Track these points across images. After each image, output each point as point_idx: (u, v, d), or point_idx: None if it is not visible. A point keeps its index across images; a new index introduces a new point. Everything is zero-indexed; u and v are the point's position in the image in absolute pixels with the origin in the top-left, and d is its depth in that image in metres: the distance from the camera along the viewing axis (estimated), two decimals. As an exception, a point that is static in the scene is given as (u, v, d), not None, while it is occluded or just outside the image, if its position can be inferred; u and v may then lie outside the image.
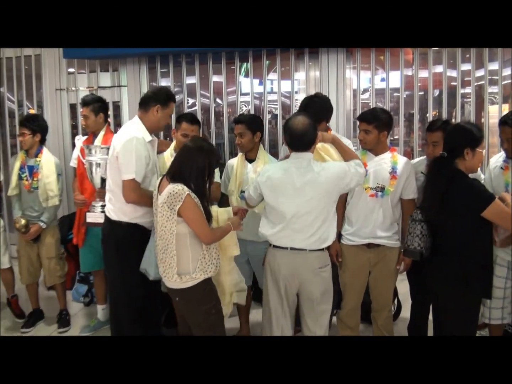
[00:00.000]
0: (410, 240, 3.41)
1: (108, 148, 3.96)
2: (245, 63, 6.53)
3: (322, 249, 3.48)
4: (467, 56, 6.31)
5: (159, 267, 3.44)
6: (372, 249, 3.94)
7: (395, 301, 5.10)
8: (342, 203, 3.97)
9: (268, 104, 6.50)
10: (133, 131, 3.74)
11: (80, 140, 4.89)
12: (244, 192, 4.08)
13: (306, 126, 3.39)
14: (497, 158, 3.99)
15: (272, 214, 3.48)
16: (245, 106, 6.62)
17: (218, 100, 6.65)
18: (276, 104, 6.47)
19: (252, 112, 6.35)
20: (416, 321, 4.27)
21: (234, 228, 3.53)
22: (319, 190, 3.34)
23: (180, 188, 3.20)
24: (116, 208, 3.84)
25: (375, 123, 3.85)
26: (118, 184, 3.74)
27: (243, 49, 6.27)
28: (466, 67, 6.33)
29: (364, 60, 6.33)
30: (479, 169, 3.82)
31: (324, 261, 3.52)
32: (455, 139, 3.28)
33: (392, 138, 6.68)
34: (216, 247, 3.45)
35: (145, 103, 3.86)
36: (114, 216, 3.86)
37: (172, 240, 3.27)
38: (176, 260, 3.28)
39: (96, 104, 4.77)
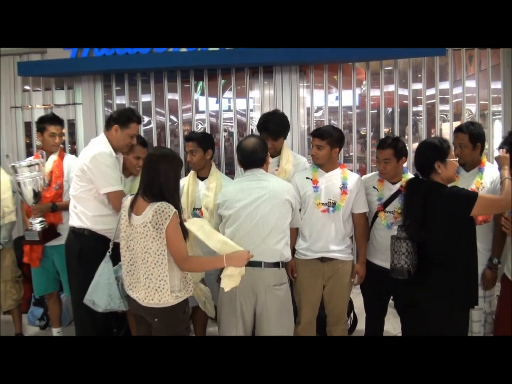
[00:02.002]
0: (396, 258, 3.43)
1: (37, 164, 4.14)
2: (200, 82, 6.56)
3: (278, 266, 3.53)
4: (419, 76, 6.47)
5: (135, 295, 3.27)
6: (326, 263, 4.01)
7: (351, 315, 5.20)
8: None
9: (224, 122, 6.54)
10: (100, 146, 3.87)
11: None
12: (196, 209, 4.15)
13: (256, 145, 3.58)
14: None
15: (227, 227, 3.53)
16: (201, 124, 6.65)
17: (173, 118, 6.66)
18: (232, 122, 6.52)
19: (208, 130, 6.37)
20: (371, 333, 4.33)
21: (234, 264, 3.22)
22: (275, 200, 3.47)
23: (166, 206, 3.13)
24: (79, 217, 3.90)
25: (328, 139, 3.98)
26: (85, 193, 3.86)
27: (198, 68, 6.31)
28: (417, 86, 6.49)
29: (317, 79, 6.44)
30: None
31: (280, 279, 3.56)
32: (423, 157, 3.37)
33: (347, 155, 6.79)
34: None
35: (107, 122, 4.03)
36: (77, 222, 3.90)
37: (161, 260, 3.14)
38: (169, 279, 3.16)
39: None
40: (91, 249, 3.82)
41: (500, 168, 3.42)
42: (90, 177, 3.81)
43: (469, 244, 3.26)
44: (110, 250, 3.53)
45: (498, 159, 3.39)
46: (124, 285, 3.36)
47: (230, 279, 3.23)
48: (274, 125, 4.28)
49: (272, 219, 3.47)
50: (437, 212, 3.20)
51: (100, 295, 3.44)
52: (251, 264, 3.38)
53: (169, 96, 6.52)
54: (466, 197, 3.16)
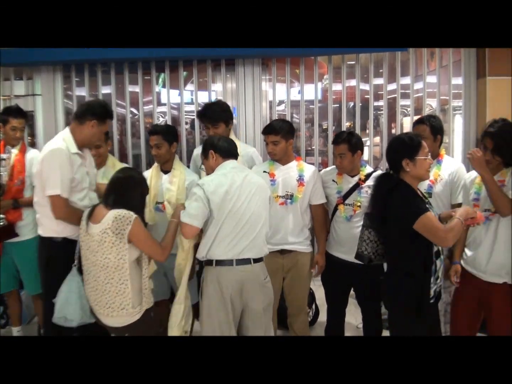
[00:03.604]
0: (359, 244, 3.51)
1: (3, 159, 4.00)
2: (162, 74, 6.51)
3: (262, 260, 3.53)
4: (380, 71, 6.52)
5: (95, 304, 3.26)
6: (285, 255, 4.06)
7: (313, 306, 5.26)
8: None
9: (186, 114, 6.49)
10: (57, 142, 3.63)
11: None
12: (159, 203, 4.10)
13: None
14: None
15: (214, 227, 3.40)
16: (162, 116, 6.59)
17: (134, 110, 6.59)
18: (194, 115, 6.44)
19: (169, 123, 6.31)
20: (332, 324, 4.36)
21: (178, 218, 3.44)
22: (262, 194, 3.51)
23: (127, 212, 3.15)
24: (44, 225, 3.74)
25: (282, 133, 4.02)
26: (44, 199, 3.62)
27: (160, 60, 6.24)
28: (379, 81, 6.54)
29: (279, 72, 6.44)
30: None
31: (265, 272, 3.57)
32: (391, 154, 3.32)
33: (309, 148, 6.83)
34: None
35: (82, 115, 3.72)
36: (43, 233, 3.77)
37: (122, 264, 3.15)
38: (131, 285, 3.18)
39: None
40: (60, 258, 3.63)
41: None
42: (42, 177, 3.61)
43: (418, 251, 3.19)
44: (76, 263, 3.48)
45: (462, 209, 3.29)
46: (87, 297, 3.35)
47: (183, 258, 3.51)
48: (212, 110, 4.31)
49: (262, 215, 3.48)
50: (393, 211, 3.18)
51: (73, 310, 3.36)
52: (241, 262, 3.39)
53: (130, 88, 6.43)
54: (413, 210, 3.10)
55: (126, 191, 3.30)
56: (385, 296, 3.45)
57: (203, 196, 3.36)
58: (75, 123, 3.73)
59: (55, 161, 3.51)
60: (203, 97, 6.45)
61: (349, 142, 3.96)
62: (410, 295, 3.16)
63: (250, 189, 3.43)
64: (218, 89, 6.58)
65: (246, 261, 3.40)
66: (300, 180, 4.06)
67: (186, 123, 6.52)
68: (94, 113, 3.70)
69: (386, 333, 4.59)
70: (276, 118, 6.38)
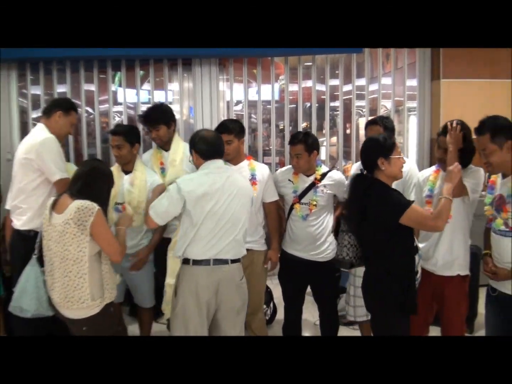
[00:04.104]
0: (339, 250, 3.49)
1: None
2: (118, 72, 6.44)
3: (240, 261, 3.51)
4: (336, 72, 6.60)
5: (54, 296, 3.21)
6: None
7: (271, 305, 5.29)
8: None
9: (143, 114, 6.42)
10: (45, 133, 3.79)
11: None
12: (119, 204, 4.06)
13: (217, 135, 3.60)
14: (356, 166, 4.39)
15: (194, 226, 3.36)
16: (118, 116, 6.53)
17: (90, 109, 6.49)
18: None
19: (125, 122, 6.23)
20: (290, 322, 4.38)
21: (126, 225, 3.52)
22: (243, 196, 3.45)
23: (90, 203, 3.11)
24: (26, 216, 3.76)
25: (235, 132, 4.04)
26: (31, 189, 3.75)
27: (116, 58, 6.16)
28: (334, 82, 6.62)
29: (236, 72, 6.44)
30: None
31: (242, 273, 3.55)
32: (366, 153, 3.35)
33: (267, 148, 6.88)
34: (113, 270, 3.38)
35: (48, 110, 3.94)
36: (22, 226, 3.77)
37: (81, 258, 3.11)
38: (89, 279, 3.14)
39: None
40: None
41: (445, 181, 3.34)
42: (39, 166, 3.72)
43: (403, 249, 3.23)
44: (36, 252, 3.43)
45: (448, 172, 3.29)
46: (45, 287, 3.30)
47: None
48: (152, 113, 4.32)
49: (242, 217, 3.44)
50: (372, 210, 3.20)
51: (28, 300, 3.32)
52: (218, 262, 3.36)
53: (86, 86, 6.30)
54: (397, 204, 3.14)
55: (92, 182, 3.27)
56: (367, 296, 3.43)
57: (175, 195, 3.33)
58: (44, 118, 3.93)
59: (55, 148, 3.73)
60: (160, 97, 6.40)
61: (305, 143, 3.99)
62: (393, 293, 3.19)
63: (231, 190, 3.39)
64: (175, 88, 6.55)
65: (223, 262, 3.38)
66: (253, 179, 4.07)
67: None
68: (58, 104, 3.94)
69: (342, 329, 4.71)
70: (234, 118, 6.39)
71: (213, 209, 3.32)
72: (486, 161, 3.21)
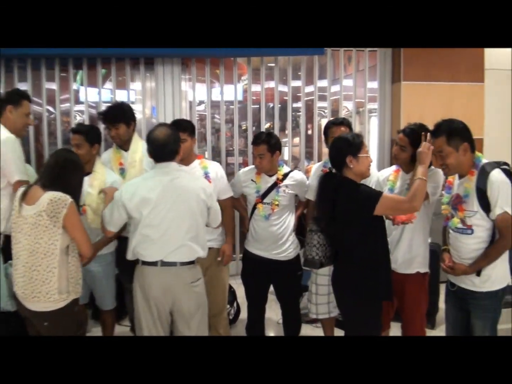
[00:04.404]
0: (308, 250, 3.45)
1: None
2: (80, 71, 6.36)
3: (193, 263, 3.44)
4: (298, 73, 6.66)
5: (20, 289, 3.13)
6: None
7: (235, 304, 5.29)
8: None
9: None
10: (3, 133, 3.68)
11: None
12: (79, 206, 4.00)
13: (168, 135, 3.39)
14: (317, 166, 4.43)
15: (143, 228, 3.33)
16: (80, 115, 6.46)
17: (51, 108, 6.40)
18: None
19: (87, 122, 6.15)
20: (253, 321, 4.39)
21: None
22: (188, 199, 3.35)
23: (62, 195, 3.06)
24: None
25: (188, 131, 4.03)
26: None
27: (77, 56, 6.07)
28: (297, 83, 6.68)
29: (199, 72, 6.45)
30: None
31: (196, 275, 3.48)
32: (335, 152, 3.36)
33: (230, 149, 6.89)
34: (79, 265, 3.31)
35: None
36: None
37: (52, 251, 3.06)
38: (58, 272, 3.08)
39: None
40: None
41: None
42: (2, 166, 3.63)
43: (376, 240, 3.28)
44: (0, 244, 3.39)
45: (418, 153, 3.32)
46: (12, 282, 3.23)
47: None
48: (112, 111, 4.26)
49: (187, 220, 3.35)
50: (343, 208, 3.23)
51: None
52: (167, 264, 3.32)
53: (47, 85, 6.21)
54: (369, 197, 3.18)
55: (64, 173, 3.21)
56: (339, 291, 3.46)
57: (117, 202, 3.34)
58: None
59: (15, 147, 3.66)
60: (122, 96, 6.34)
61: (268, 143, 4.02)
62: (368, 281, 3.24)
63: (172, 193, 3.32)
64: (137, 88, 6.49)
65: (171, 264, 3.34)
66: (206, 177, 4.04)
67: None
68: (6, 100, 3.83)
69: (305, 327, 4.79)
70: (197, 118, 6.41)
71: (152, 214, 3.29)
72: (442, 163, 3.29)
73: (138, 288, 3.40)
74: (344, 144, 3.31)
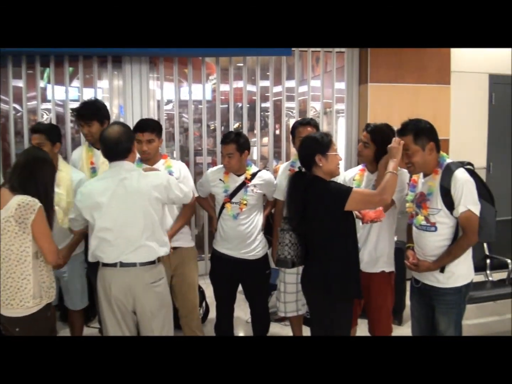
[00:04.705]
0: (280, 249, 3.46)
1: None
2: (47, 69, 6.26)
3: (154, 263, 3.40)
4: (267, 73, 6.69)
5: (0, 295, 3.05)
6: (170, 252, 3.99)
7: (203, 304, 5.30)
8: None
9: (71, 112, 6.10)
10: None
11: None
12: None
13: (121, 134, 3.34)
14: (285, 166, 4.47)
15: (99, 231, 3.31)
16: (47, 114, 6.38)
17: (17, 106, 6.29)
18: (80, 113, 6.25)
19: (54, 120, 6.06)
20: (222, 320, 4.41)
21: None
22: (139, 199, 3.29)
23: (31, 199, 2.97)
24: None
25: (156, 131, 4.01)
26: None
27: (44, 54, 5.96)
28: (265, 83, 6.73)
29: (167, 71, 6.42)
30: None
31: (158, 275, 3.44)
32: (304, 151, 3.39)
33: (199, 148, 6.88)
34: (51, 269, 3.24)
35: None
36: None
37: (24, 258, 2.99)
38: (33, 279, 3.02)
39: None
40: None
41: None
42: None
43: (347, 238, 3.31)
44: None
45: (389, 149, 3.39)
46: None
47: None
48: (86, 107, 4.21)
49: (141, 219, 3.30)
50: (314, 206, 3.26)
51: None
52: (126, 265, 3.29)
53: (14, 82, 6.07)
54: (339, 192, 3.22)
55: (36, 172, 3.14)
56: (309, 289, 3.49)
57: (76, 203, 3.37)
58: None
59: None
60: (89, 94, 6.22)
61: (237, 142, 4.04)
62: (339, 280, 3.27)
63: (123, 195, 3.28)
64: (105, 86, 6.43)
65: (131, 265, 3.32)
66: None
67: (71, 121, 6.27)
68: None
69: (274, 325, 4.84)
70: (165, 117, 6.39)
71: (104, 217, 3.28)
72: (408, 161, 3.37)
73: (100, 289, 3.39)
74: (313, 143, 3.35)
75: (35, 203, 3.00)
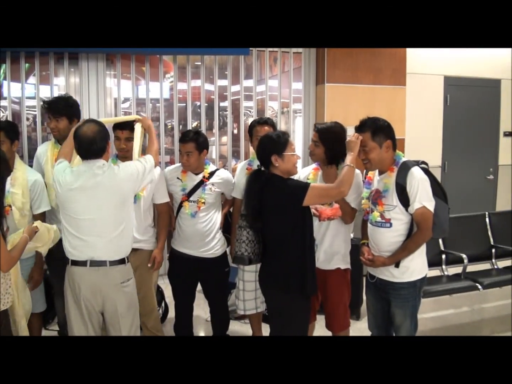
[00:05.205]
0: (237, 246, 3.47)
1: None
2: (3, 65, 6.13)
3: (124, 263, 3.39)
4: (225, 72, 6.71)
5: None
6: (131, 253, 3.94)
7: (163, 304, 5.28)
8: None
9: (27, 109, 6.18)
10: None
11: None
12: None
13: (95, 133, 3.28)
14: (242, 165, 4.52)
15: (69, 225, 3.29)
16: (2, 111, 6.26)
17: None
18: (36, 110, 6.16)
19: (10, 118, 5.94)
20: (182, 320, 4.42)
21: (30, 236, 3.18)
22: (112, 193, 3.28)
23: None
24: None
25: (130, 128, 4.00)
26: None
27: (2, 49, 5.81)
28: (223, 82, 6.74)
29: (124, 69, 6.36)
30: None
31: (127, 275, 3.44)
32: (261, 150, 3.42)
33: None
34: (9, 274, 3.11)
35: None
36: None
37: None
38: None
39: None
40: None
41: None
42: None
43: (304, 235, 3.33)
44: None
45: (347, 143, 3.45)
46: None
47: (44, 245, 3.36)
48: (57, 102, 4.17)
49: (110, 217, 3.30)
50: (271, 203, 3.30)
51: None
52: (96, 264, 3.27)
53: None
54: (297, 188, 3.27)
55: None
56: (267, 287, 3.52)
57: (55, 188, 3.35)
58: None
59: None
60: (46, 92, 6.17)
61: (196, 141, 4.05)
62: (295, 277, 3.30)
63: (94, 190, 3.25)
64: (61, 83, 6.32)
65: (101, 263, 3.29)
66: None
67: (28, 119, 6.20)
68: None
69: (233, 323, 4.87)
70: (122, 115, 6.35)
71: (74, 212, 3.26)
72: (365, 157, 3.43)
73: (67, 288, 3.37)
74: (268, 143, 3.40)
75: None
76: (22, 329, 3.40)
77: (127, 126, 3.97)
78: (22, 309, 3.40)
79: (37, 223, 3.32)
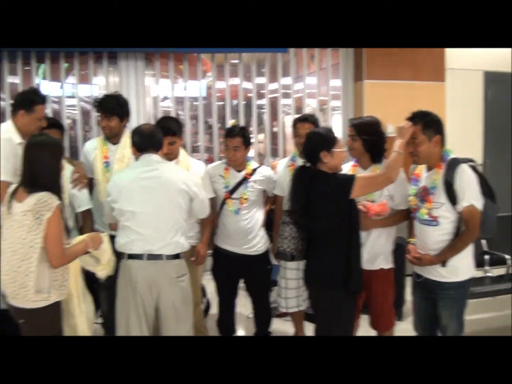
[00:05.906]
0: (280, 242, 3.47)
1: None
2: (42, 65, 6.23)
3: (179, 258, 3.43)
4: (262, 70, 6.69)
5: (4, 286, 3.01)
6: None
7: (205, 300, 5.26)
8: None
9: (67, 108, 6.27)
10: (2, 131, 3.55)
11: None
12: None
13: (154, 128, 3.54)
14: (284, 161, 4.46)
15: (127, 220, 3.34)
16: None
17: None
18: (75, 109, 6.24)
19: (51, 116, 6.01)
20: (224, 316, 4.41)
21: (93, 246, 3.23)
22: (169, 190, 3.34)
23: (50, 197, 2.93)
24: None
25: (178, 133, 4.03)
26: None
27: (40, 50, 5.94)
28: (261, 80, 6.75)
29: (163, 68, 6.41)
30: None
31: (182, 270, 3.46)
32: (310, 146, 3.39)
33: (195, 145, 6.89)
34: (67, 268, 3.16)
35: (12, 108, 3.68)
36: None
37: (31, 254, 2.91)
38: (36, 276, 2.94)
39: None
40: None
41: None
42: None
43: (350, 230, 3.30)
44: None
45: (399, 129, 3.40)
46: None
47: (104, 269, 3.31)
48: (108, 101, 4.15)
49: (166, 211, 3.35)
50: (318, 198, 3.28)
51: None
52: (153, 257, 3.31)
53: (10, 79, 6.05)
54: (344, 180, 3.25)
55: (35, 166, 3.03)
56: (312, 284, 3.51)
57: (107, 193, 3.41)
58: (12, 115, 3.69)
59: (6, 149, 3.44)
60: (85, 91, 6.25)
61: (243, 136, 4.06)
62: (340, 273, 3.27)
63: (152, 184, 3.33)
64: (101, 82, 6.40)
65: (157, 257, 3.33)
66: None
67: (68, 117, 6.26)
68: (19, 103, 3.64)
69: (275, 320, 4.82)
70: (162, 114, 6.37)
71: (132, 205, 3.31)
72: (414, 150, 3.38)
73: (122, 282, 3.39)
74: (318, 139, 3.37)
75: (53, 202, 2.95)
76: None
77: (169, 131, 3.96)
78: (83, 315, 3.38)
79: (104, 235, 3.36)
